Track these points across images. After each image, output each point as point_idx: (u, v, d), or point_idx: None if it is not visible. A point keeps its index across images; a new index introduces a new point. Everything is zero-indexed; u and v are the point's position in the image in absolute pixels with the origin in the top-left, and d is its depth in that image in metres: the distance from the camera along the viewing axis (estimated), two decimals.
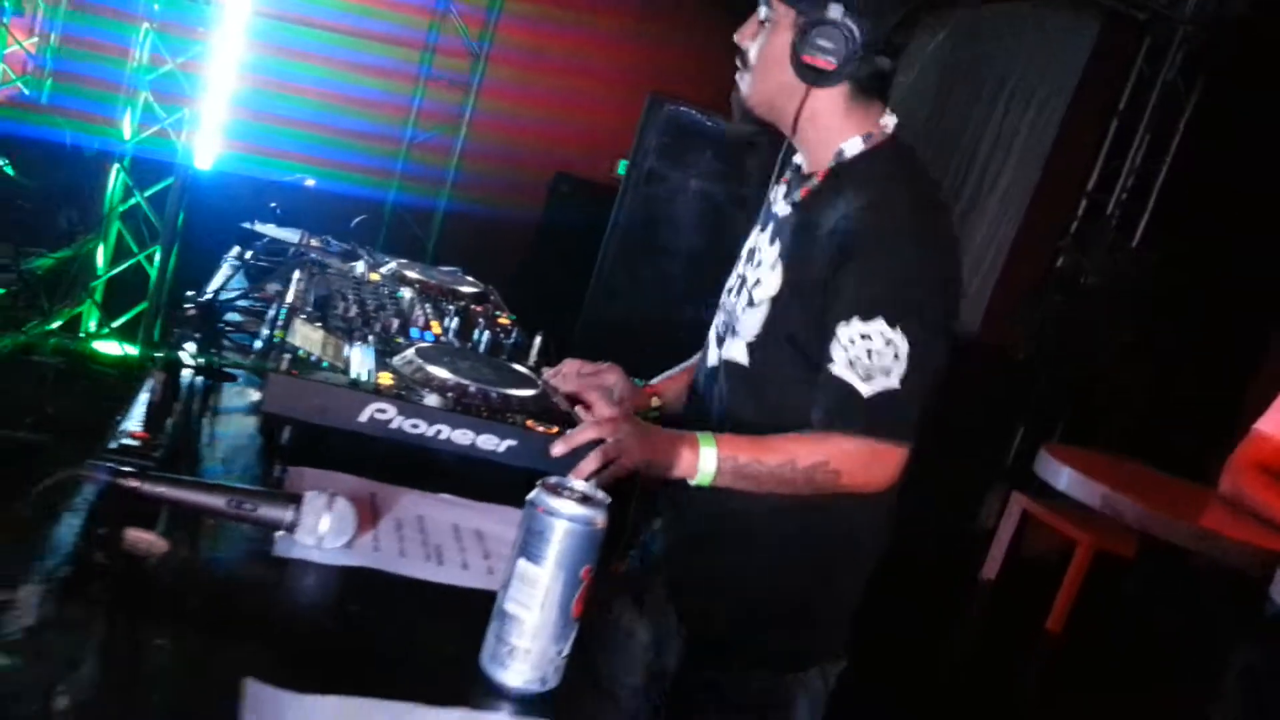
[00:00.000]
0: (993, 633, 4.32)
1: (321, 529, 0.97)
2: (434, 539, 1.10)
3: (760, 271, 1.47)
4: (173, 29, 4.08)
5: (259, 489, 1.01)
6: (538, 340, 1.65)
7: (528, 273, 5.17)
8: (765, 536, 1.41)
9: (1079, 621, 4.18)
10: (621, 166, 5.63)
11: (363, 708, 0.76)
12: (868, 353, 1.29)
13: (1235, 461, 2.42)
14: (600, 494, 0.87)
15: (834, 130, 1.43)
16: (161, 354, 1.28)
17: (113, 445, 1.01)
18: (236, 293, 1.59)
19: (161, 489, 0.94)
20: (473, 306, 1.90)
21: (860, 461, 1.32)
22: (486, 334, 1.63)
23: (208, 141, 4.05)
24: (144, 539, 0.90)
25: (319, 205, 2.33)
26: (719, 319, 1.60)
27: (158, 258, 3.92)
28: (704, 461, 1.30)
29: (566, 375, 1.51)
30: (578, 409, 1.39)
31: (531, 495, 0.86)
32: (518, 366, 1.50)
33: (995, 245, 5.29)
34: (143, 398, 1.19)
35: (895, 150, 1.45)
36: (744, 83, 1.48)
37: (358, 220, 2.60)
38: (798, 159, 1.55)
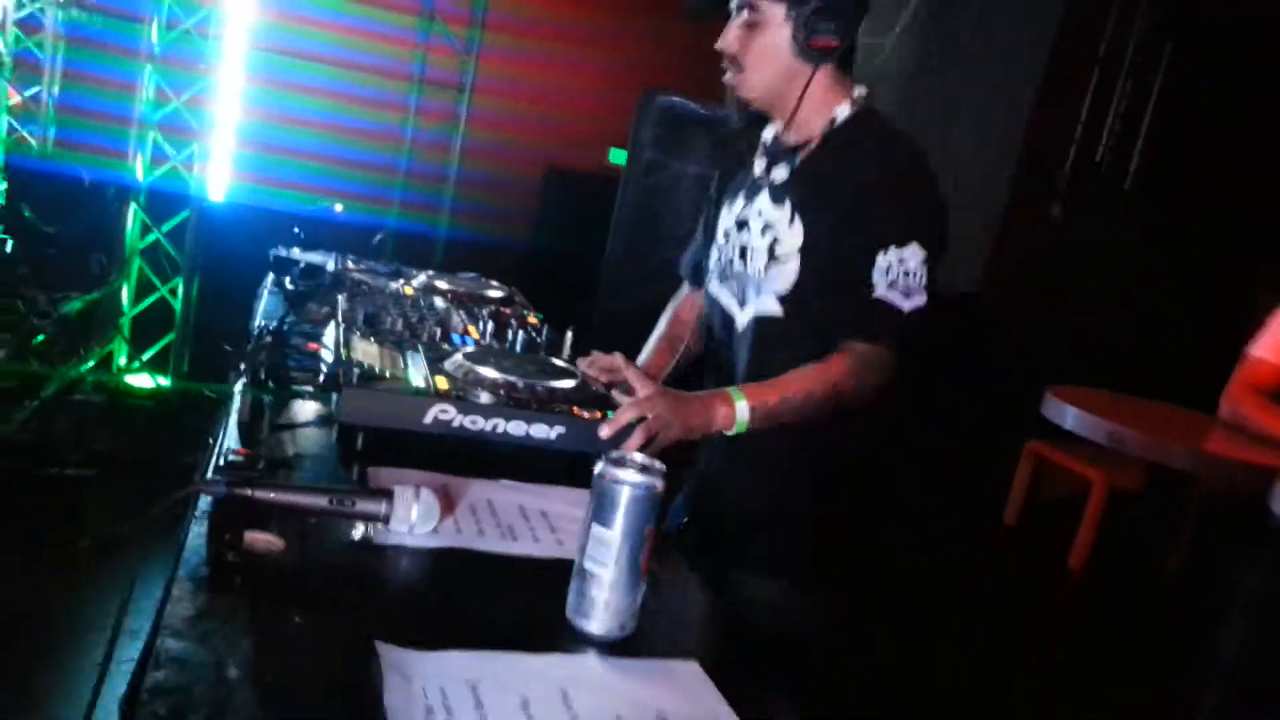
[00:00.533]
0: (1017, 574, 4.44)
1: (412, 518, 1.10)
2: (505, 519, 1.23)
3: (775, 231, 1.62)
4: (174, 64, 4.22)
5: (355, 487, 1.14)
6: (569, 335, 1.78)
7: (533, 267, 5.29)
8: (772, 458, 1.58)
9: (1101, 558, 4.32)
10: (613, 155, 5.75)
11: (478, 659, 0.90)
12: (905, 273, 1.49)
13: (1232, 386, 2.55)
14: (657, 463, 1.00)
15: (827, 100, 1.61)
16: (243, 383, 1.41)
17: (221, 462, 1.14)
18: (287, 319, 1.70)
19: (272, 495, 1.07)
20: (502, 309, 2.03)
21: (862, 372, 1.50)
22: (520, 334, 1.77)
23: (219, 174, 4.19)
24: (261, 539, 1.04)
25: (324, 228, 2.46)
26: (729, 288, 1.74)
27: (180, 290, 4.06)
28: (739, 413, 1.45)
29: (599, 366, 1.63)
30: (614, 392, 1.52)
31: (598, 468, 1.00)
32: (555, 360, 1.63)
33: (987, 201, 5.37)
34: (232, 420, 1.32)
35: (876, 113, 1.65)
36: (741, 82, 1.63)
37: (378, 238, 2.74)
38: (770, 134, 1.73)
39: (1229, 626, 2.43)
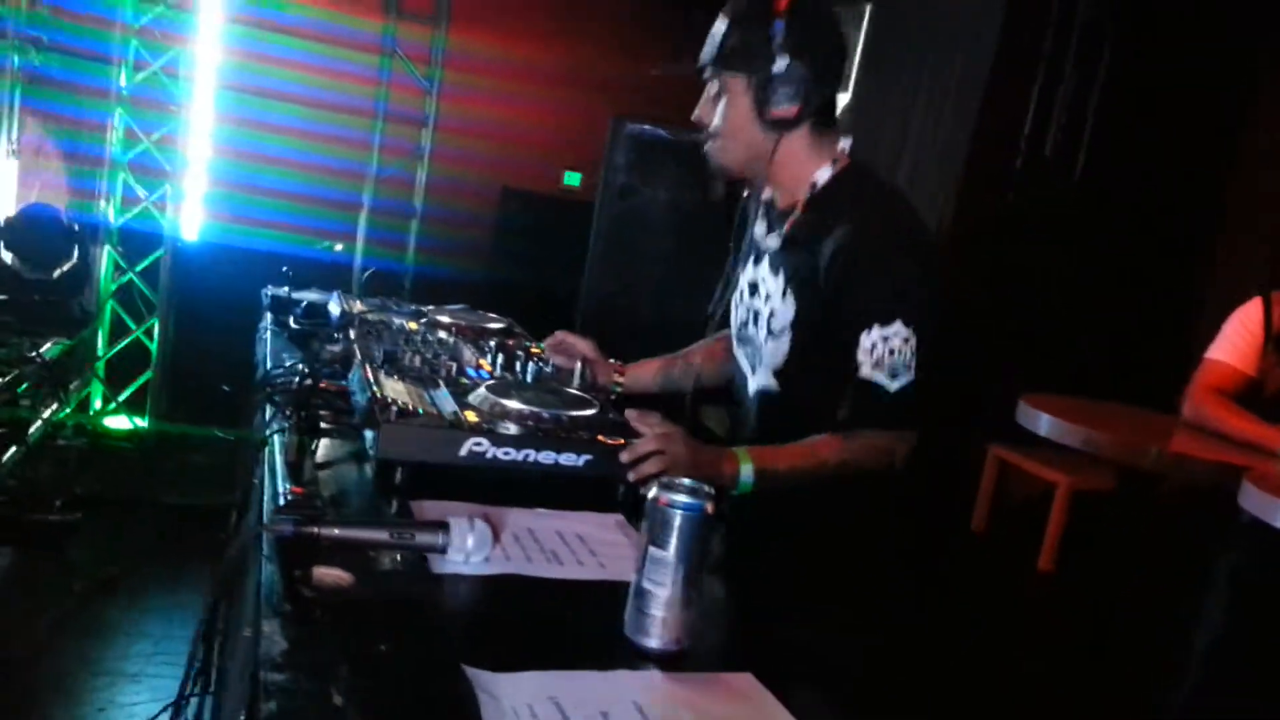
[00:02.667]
0: (987, 578, 4.57)
1: (469, 547, 1.16)
2: (548, 545, 1.30)
3: (772, 303, 1.65)
4: (143, 105, 4.23)
5: (413, 520, 1.20)
6: (578, 366, 1.85)
7: (501, 294, 5.34)
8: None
9: (1069, 558, 4.46)
10: (568, 178, 5.84)
11: (555, 677, 0.96)
12: (890, 352, 1.50)
13: (1193, 388, 2.69)
14: (706, 487, 1.07)
15: (805, 165, 1.62)
16: (287, 424, 1.46)
17: (280, 502, 1.19)
18: (317, 362, 1.74)
19: (336, 531, 1.12)
20: (506, 341, 2.09)
21: (880, 452, 1.54)
22: (530, 365, 1.83)
23: (191, 213, 4.20)
24: (330, 574, 1.09)
25: (292, 264, 2.51)
26: (744, 349, 1.80)
27: (156, 331, 4.06)
28: (743, 475, 1.50)
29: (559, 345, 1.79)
30: (636, 423, 1.58)
31: (652, 494, 1.07)
32: (571, 390, 1.70)
33: (941, 201, 5.46)
34: (278, 460, 1.37)
35: (857, 170, 1.65)
36: (717, 151, 1.65)
37: (367, 274, 2.78)
38: (768, 194, 1.73)
39: (1204, 615, 2.56)
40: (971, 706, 2.87)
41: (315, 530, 1.11)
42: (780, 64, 1.52)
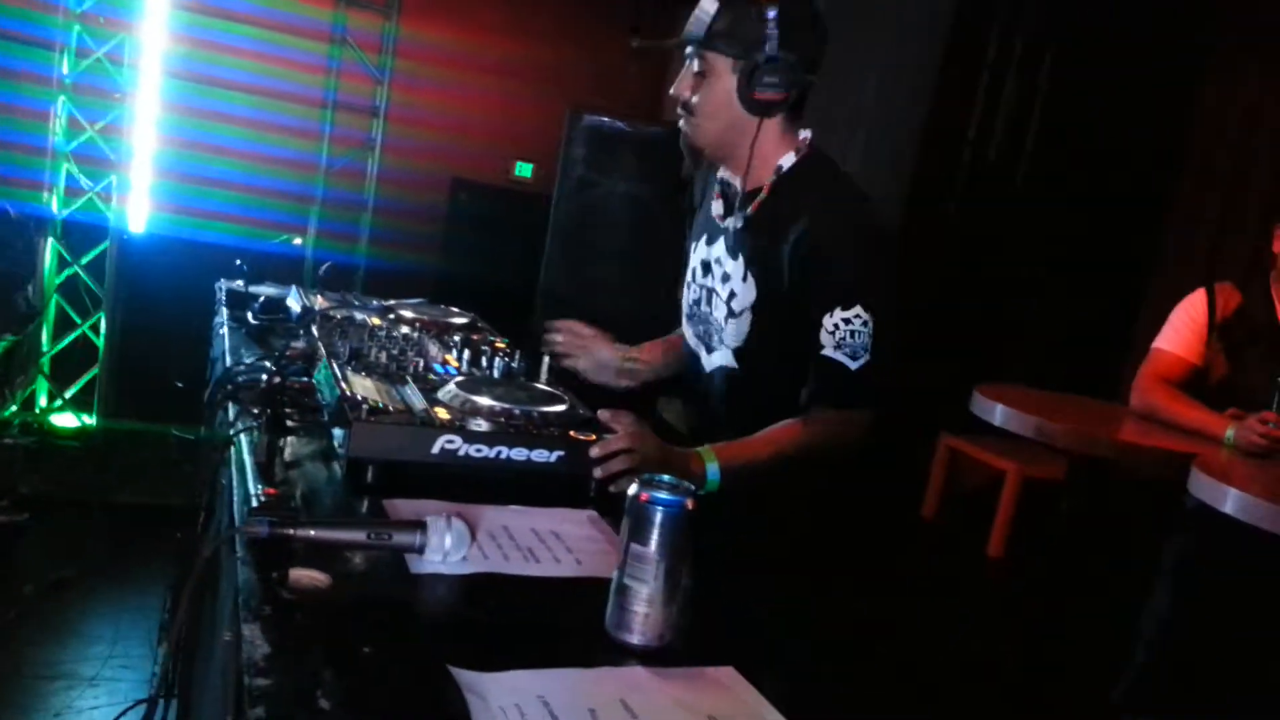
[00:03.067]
0: (937, 564, 4.65)
1: (446, 546, 1.16)
2: (523, 543, 1.30)
3: (732, 284, 1.68)
4: (86, 93, 4.12)
5: (390, 520, 1.20)
6: (546, 360, 1.85)
7: (454, 287, 5.30)
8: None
9: (1019, 545, 4.56)
10: (519, 168, 5.81)
11: (540, 676, 0.96)
12: (851, 334, 1.55)
13: (1141, 379, 2.76)
14: (686, 484, 1.08)
15: (774, 150, 1.67)
16: (252, 424, 1.44)
17: (254, 504, 1.17)
18: (283, 359, 1.72)
19: (312, 532, 1.11)
20: (471, 336, 2.08)
21: (838, 432, 1.58)
22: (497, 360, 1.83)
23: (138, 205, 4.10)
24: (307, 575, 1.08)
25: (244, 258, 2.48)
26: (696, 328, 1.82)
27: (103, 325, 3.97)
28: (709, 474, 1.53)
29: (568, 331, 1.81)
30: (610, 421, 1.58)
31: (632, 490, 1.07)
32: (539, 385, 1.70)
33: (891, 205, 5.55)
34: (246, 462, 1.35)
35: (820, 158, 1.70)
36: (692, 129, 1.67)
37: (325, 267, 2.74)
38: (724, 174, 1.77)
39: (1151, 600, 2.64)
40: (934, 693, 2.93)
41: (291, 532, 1.10)
42: (770, 49, 1.56)
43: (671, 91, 1.68)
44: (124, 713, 2.20)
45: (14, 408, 3.79)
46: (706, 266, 1.77)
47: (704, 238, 1.80)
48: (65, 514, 3.53)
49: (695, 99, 1.64)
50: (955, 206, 5.63)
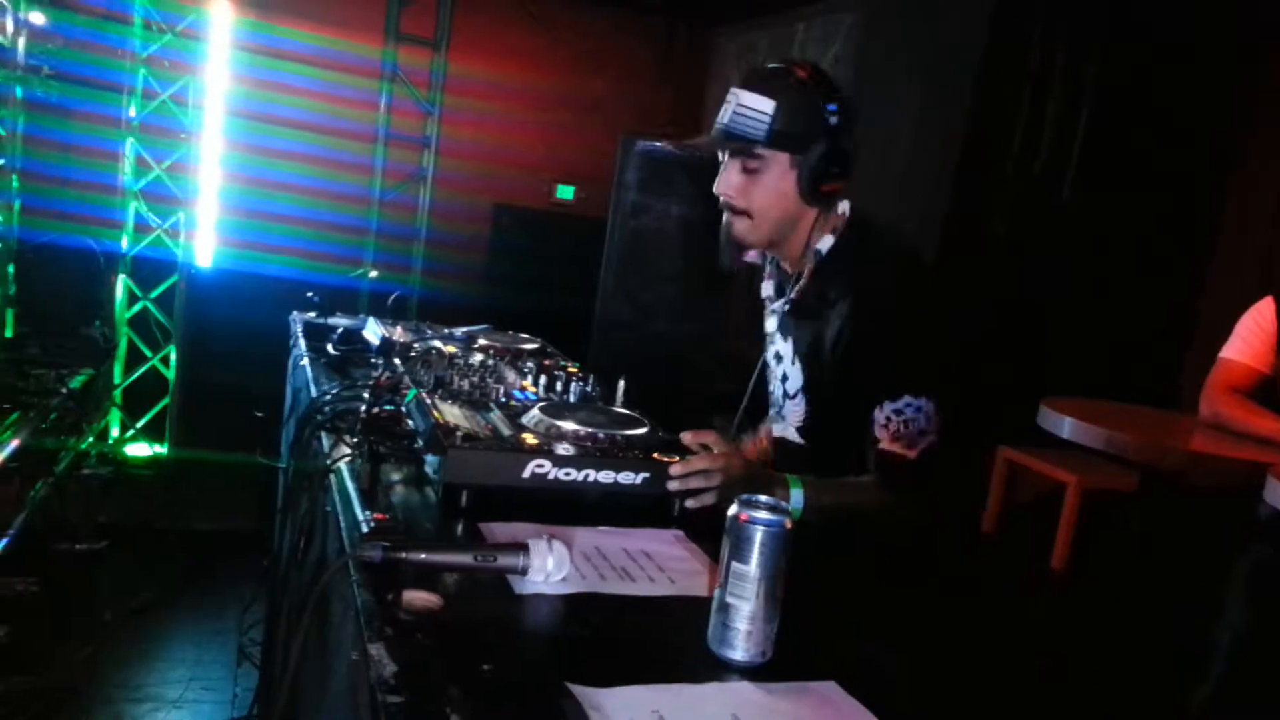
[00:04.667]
0: (999, 579, 4.61)
1: (549, 567, 1.20)
2: (616, 562, 1.33)
3: (784, 365, 1.70)
4: (152, 133, 4.27)
5: (494, 543, 1.24)
6: (621, 384, 1.89)
7: (501, 309, 5.37)
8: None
9: (1086, 559, 4.50)
10: (560, 190, 5.89)
11: (653, 691, 1.00)
12: (904, 424, 1.54)
13: (1209, 388, 2.74)
14: (783, 504, 1.11)
15: (816, 234, 1.64)
16: (352, 453, 1.49)
17: (364, 530, 1.22)
18: (349, 389, 1.77)
19: (421, 555, 1.16)
20: (544, 361, 2.13)
21: (916, 512, 1.59)
22: (573, 385, 1.87)
23: (204, 240, 4.23)
24: (420, 597, 1.13)
25: (309, 290, 2.56)
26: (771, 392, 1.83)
27: (173, 357, 4.08)
28: (793, 500, 1.54)
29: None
30: (690, 442, 1.61)
31: (732, 511, 1.10)
32: (617, 409, 1.74)
33: (930, 221, 5.53)
34: (350, 488, 1.40)
35: (857, 233, 1.66)
36: (746, 228, 1.64)
37: (394, 298, 2.82)
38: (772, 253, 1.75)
39: (1225, 611, 2.60)
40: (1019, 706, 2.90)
41: (403, 555, 1.15)
42: (834, 142, 1.56)
43: (717, 190, 1.65)
44: None
45: (91, 439, 3.91)
46: (768, 339, 1.79)
47: (767, 307, 1.81)
48: (141, 541, 3.64)
49: (755, 198, 1.61)
50: (1001, 221, 5.61)
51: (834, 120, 1.56)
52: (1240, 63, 5.05)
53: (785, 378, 1.69)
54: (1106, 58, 5.35)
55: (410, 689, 0.94)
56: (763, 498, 1.12)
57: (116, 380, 4.21)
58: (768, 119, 1.56)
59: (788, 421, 1.71)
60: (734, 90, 1.61)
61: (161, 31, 4.24)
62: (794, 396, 1.68)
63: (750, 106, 1.57)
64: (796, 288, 1.66)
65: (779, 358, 1.71)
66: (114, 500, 3.86)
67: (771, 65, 1.62)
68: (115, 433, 4.24)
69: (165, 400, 4.24)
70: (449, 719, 0.90)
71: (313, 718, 1.27)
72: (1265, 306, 2.71)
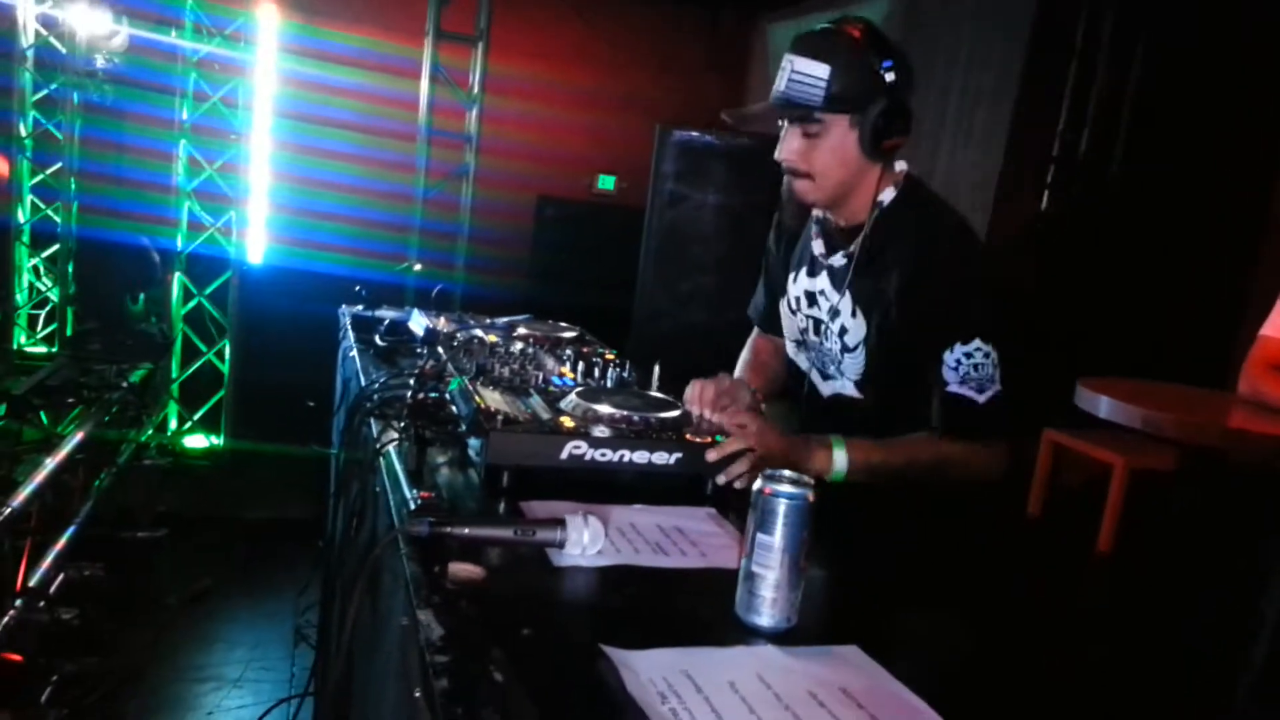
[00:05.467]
0: (1046, 561, 4.61)
1: (585, 541, 1.27)
2: (650, 538, 1.39)
3: (842, 319, 1.71)
4: (204, 134, 4.41)
5: (532, 519, 1.31)
6: (656, 369, 1.94)
7: (545, 299, 5.46)
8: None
9: (1129, 539, 4.48)
10: (602, 181, 5.96)
11: (682, 654, 1.06)
12: (975, 367, 1.57)
13: (1249, 365, 2.72)
14: (806, 477, 1.17)
15: (878, 188, 1.67)
16: (400, 436, 1.57)
17: (412, 506, 1.29)
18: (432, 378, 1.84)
19: (465, 530, 1.23)
20: (582, 349, 2.19)
21: (973, 461, 1.60)
22: (610, 370, 1.93)
23: (255, 238, 4.37)
24: (464, 569, 1.20)
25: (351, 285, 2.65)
26: (809, 355, 1.85)
27: (228, 352, 4.22)
28: (837, 462, 1.59)
29: (704, 398, 1.70)
30: (728, 423, 1.65)
31: (757, 484, 1.16)
32: (654, 393, 1.80)
33: (979, 199, 5.51)
34: (398, 470, 1.47)
35: (917, 189, 1.70)
36: (810, 189, 1.67)
37: (437, 290, 2.90)
38: (819, 213, 1.78)
39: (1272, 585, 2.60)
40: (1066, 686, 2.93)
41: (449, 530, 1.22)
42: (892, 98, 1.58)
43: (779, 157, 1.67)
44: (269, 711, 2.38)
45: (150, 431, 4.06)
46: (811, 298, 1.79)
47: (804, 269, 1.82)
48: (200, 529, 3.77)
49: (820, 162, 1.63)
50: (1049, 199, 5.57)
51: (890, 77, 1.58)
52: None
53: (844, 330, 1.69)
54: (1154, 27, 5.30)
55: (456, 649, 1.01)
56: (786, 472, 1.17)
57: (174, 374, 4.36)
58: (824, 83, 1.57)
59: (845, 377, 1.72)
60: (788, 57, 1.62)
61: (211, 35, 4.36)
62: (854, 349, 1.68)
63: (805, 72, 1.59)
64: (859, 239, 1.67)
65: (835, 312, 1.71)
66: (173, 490, 4.01)
67: (823, 27, 1.62)
68: (174, 425, 4.39)
69: (220, 393, 4.39)
70: (492, 675, 0.97)
71: (366, 681, 1.35)
72: None
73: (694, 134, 4.35)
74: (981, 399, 1.57)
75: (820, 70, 1.58)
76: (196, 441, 4.36)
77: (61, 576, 2.69)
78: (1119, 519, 4.56)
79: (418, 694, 0.96)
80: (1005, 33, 5.36)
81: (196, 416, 4.38)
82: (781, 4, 5.92)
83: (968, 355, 1.56)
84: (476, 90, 5.22)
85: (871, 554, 1.61)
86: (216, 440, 4.36)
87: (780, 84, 1.62)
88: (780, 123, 1.68)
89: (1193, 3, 4.97)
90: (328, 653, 1.74)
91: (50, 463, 2.67)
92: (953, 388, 1.57)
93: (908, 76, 1.62)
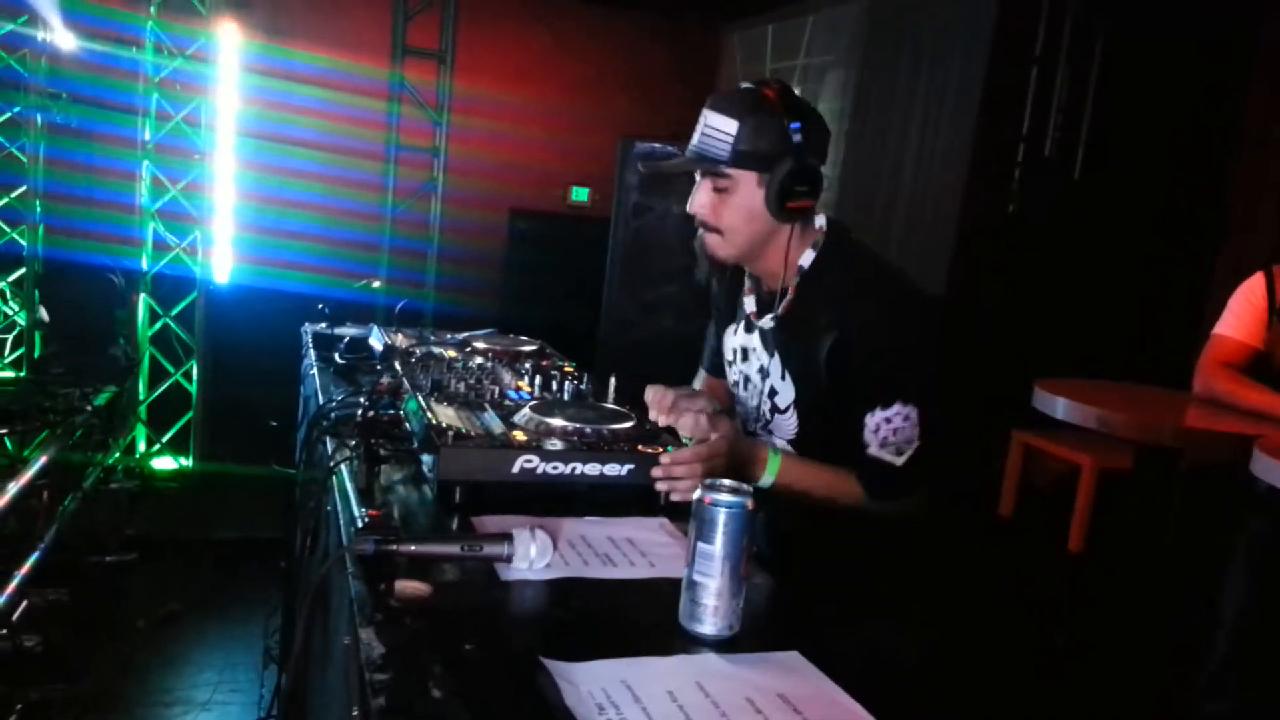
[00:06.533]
0: (1018, 561, 4.65)
1: (532, 554, 1.28)
2: (600, 549, 1.41)
3: (771, 381, 1.73)
4: (168, 153, 4.39)
5: (480, 534, 1.31)
6: (612, 381, 1.96)
7: (518, 312, 5.47)
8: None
9: (1099, 539, 4.53)
10: (575, 193, 5.98)
11: (622, 664, 1.07)
12: (893, 431, 1.59)
13: (1203, 364, 2.77)
14: (745, 485, 1.18)
15: (794, 250, 1.68)
16: (351, 455, 1.57)
17: (359, 525, 1.30)
18: (375, 395, 1.85)
19: (412, 547, 1.24)
20: (541, 362, 2.21)
21: (889, 512, 1.65)
22: (566, 383, 1.95)
23: (221, 258, 4.36)
24: (410, 585, 1.20)
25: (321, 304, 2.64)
26: (740, 408, 1.86)
27: (195, 372, 4.21)
28: (766, 478, 1.62)
29: (661, 404, 1.70)
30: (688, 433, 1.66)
31: (697, 494, 1.17)
32: (606, 405, 1.81)
33: (944, 207, 5.57)
34: (349, 488, 1.48)
35: (838, 246, 1.71)
36: (718, 245, 1.68)
37: (400, 306, 2.90)
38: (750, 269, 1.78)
39: (1227, 586, 2.64)
40: (1006, 685, 2.96)
41: (395, 548, 1.23)
42: (799, 159, 1.58)
43: (690, 210, 1.69)
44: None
45: (117, 454, 4.04)
46: (746, 353, 1.81)
47: (742, 325, 1.83)
48: (169, 552, 3.75)
49: (726, 217, 1.65)
50: (1014, 204, 5.63)
51: (798, 138, 1.58)
52: (1245, 31, 5.06)
53: (774, 392, 1.72)
54: (1112, 32, 5.38)
55: (395, 667, 1.02)
56: (726, 481, 1.19)
57: (141, 396, 4.33)
58: (731, 139, 1.59)
59: (776, 435, 1.75)
60: (704, 110, 1.64)
61: (173, 55, 4.35)
62: (785, 411, 1.71)
63: (715, 127, 1.61)
64: (783, 303, 1.69)
65: (764, 373, 1.73)
66: (142, 513, 3.98)
67: (742, 85, 1.65)
68: (142, 447, 4.36)
69: (189, 415, 4.36)
70: (430, 692, 0.97)
71: (316, 703, 1.35)
72: (1256, 282, 2.75)
73: (656, 145, 4.38)
74: (899, 462, 1.60)
75: (730, 126, 1.59)
76: (165, 464, 4.33)
77: (25, 603, 2.67)
78: (1089, 518, 4.61)
79: (355, 712, 0.97)
80: (967, 42, 5.43)
81: (165, 439, 4.36)
82: (747, 13, 5.98)
83: (888, 420, 1.59)
84: (443, 107, 5.22)
85: (835, 559, 1.64)
86: (186, 462, 4.34)
87: (695, 138, 1.64)
88: (695, 175, 1.69)
89: (1148, 7, 5.05)
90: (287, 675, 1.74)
91: (13, 487, 2.66)
92: (872, 450, 1.60)
93: (819, 139, 1.63)
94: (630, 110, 5.74)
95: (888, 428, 1.59)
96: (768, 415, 1.74)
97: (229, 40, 4.48)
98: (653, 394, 1.69)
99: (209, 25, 4.36)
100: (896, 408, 1.59)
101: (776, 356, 1.72)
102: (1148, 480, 2.80)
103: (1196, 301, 5.06)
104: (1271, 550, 2.55)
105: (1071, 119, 5.62)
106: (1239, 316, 2.74)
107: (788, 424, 1.72)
